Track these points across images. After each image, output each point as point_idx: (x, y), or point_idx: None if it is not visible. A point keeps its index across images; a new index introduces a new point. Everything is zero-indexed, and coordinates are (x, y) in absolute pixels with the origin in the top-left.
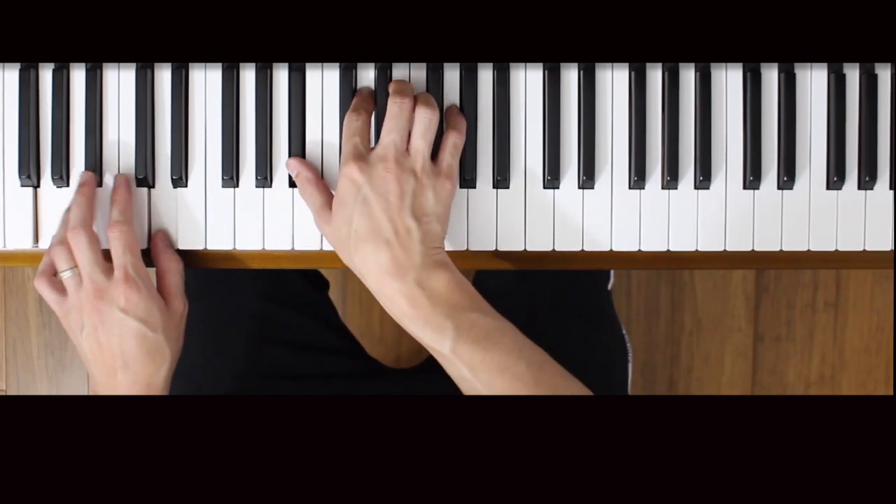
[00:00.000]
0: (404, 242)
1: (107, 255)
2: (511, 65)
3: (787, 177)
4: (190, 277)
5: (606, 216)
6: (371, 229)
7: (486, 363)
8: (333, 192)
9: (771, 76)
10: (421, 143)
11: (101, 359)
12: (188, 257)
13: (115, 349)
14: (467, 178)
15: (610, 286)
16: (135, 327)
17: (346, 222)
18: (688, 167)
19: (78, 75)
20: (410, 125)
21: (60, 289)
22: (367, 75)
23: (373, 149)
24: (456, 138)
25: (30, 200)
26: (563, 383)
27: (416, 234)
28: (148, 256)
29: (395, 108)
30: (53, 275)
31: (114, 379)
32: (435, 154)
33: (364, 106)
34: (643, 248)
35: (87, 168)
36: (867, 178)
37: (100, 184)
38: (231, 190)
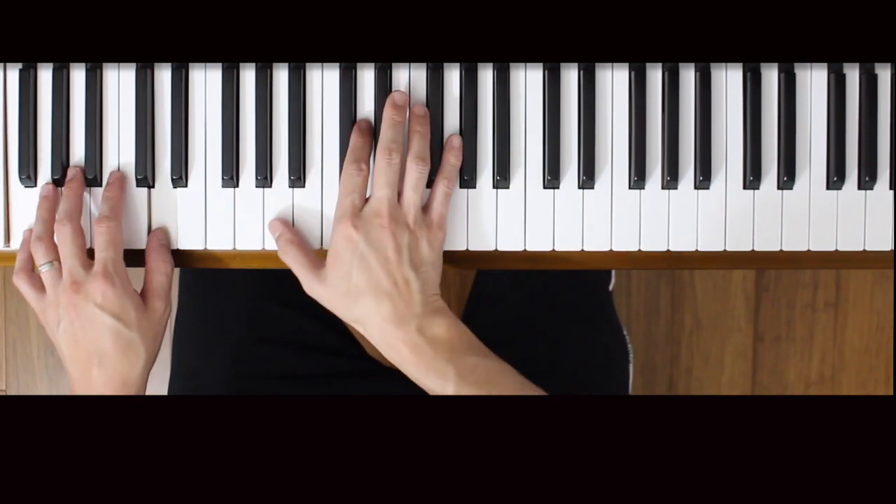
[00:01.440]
0: (404, 293)
1: (90, 253)
2: (511, 65)
3: (787, 177)
4: (190, 278)
5: (606, 216)
6: (371, 283)
7: None
8: (312, 246)
9: (771, 76)
10: (412, 196)
11: (77, 354)
12: (188, 257)
13: (91, 345)
14: (467, 179)
15: (611, 286)
16: (109, 323)
17: (345, 277)
18: (688, 167)
19: (78, 75)
20: (401, 176)
21: (39, 285)
22: (367, 75)
23: (367, 199)
24: (446, 187)
25: (30, 200)
26: None
27: (415, 285)
28: (139, 255)
29: (384, 164)
30: (32, 270)
31: (89, 375)
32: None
33: (363, 156)
34: (643, 248)
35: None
36: (867, 178)
37: (99, 183)
38: (231, 190)
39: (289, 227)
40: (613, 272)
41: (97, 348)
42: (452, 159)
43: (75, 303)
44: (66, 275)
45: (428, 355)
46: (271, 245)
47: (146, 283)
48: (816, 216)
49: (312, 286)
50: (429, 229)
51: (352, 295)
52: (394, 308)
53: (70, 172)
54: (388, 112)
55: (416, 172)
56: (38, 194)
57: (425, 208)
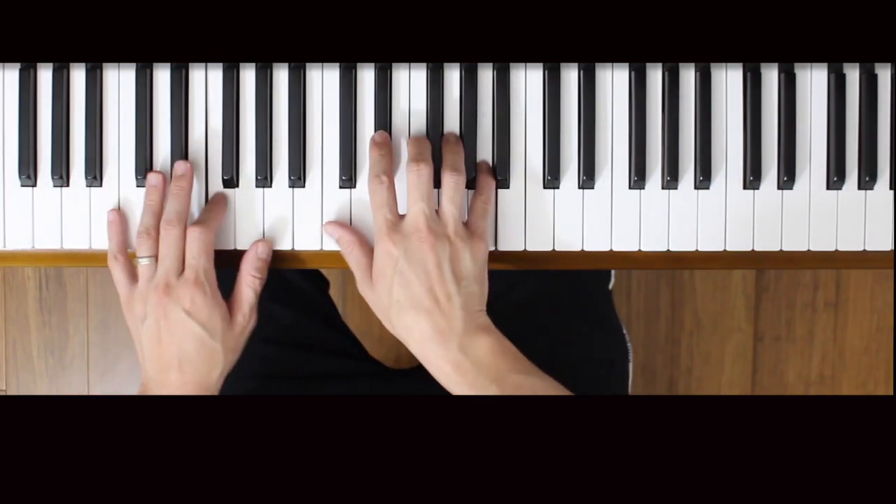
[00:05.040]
0: (445, 310)
1: None
2: (511, 65)
3: (787, 177)
4: None
5: (606, 216)
6: (411, 299)
7: None
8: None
9: (771, 76)
10: (451, 208)
11: (158, 354)
12: None
13: (174, 348)
14: (467, 179)
15: (610, 286)
16: (196, 331)
17: (386, 293)
18: (688, 167)
19: (78, 75)
20: (433, 188)
21: (133, 273)
22: (367, 75)
23: (403, 216)
24: (484, 202)
25: (29, 201)
26: None
27: (457, 300)
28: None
29: (414, 176)
30: (127, 256)
31: (166, 377)
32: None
33: (383, 168)
34: (643, 248)
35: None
36: (867, 178)
37: (99, 183)
38: (231, 190)
39: (346, 227)
40: (613, 272)
41: (179, 351)
42: (485, 179)
43: (164, 304)
44: (160, 274)
45: (471, 375)
46: (272, 245)
47: (234, 294)
48: (816, 216)
49: (364, 289)
50: (470, 240)
51: (394, 310)
52: (434, 325)
53: (179, 168)
54: (412, 137)
55: (451, 183)
56: (147, 182)
57: (465, 222)
